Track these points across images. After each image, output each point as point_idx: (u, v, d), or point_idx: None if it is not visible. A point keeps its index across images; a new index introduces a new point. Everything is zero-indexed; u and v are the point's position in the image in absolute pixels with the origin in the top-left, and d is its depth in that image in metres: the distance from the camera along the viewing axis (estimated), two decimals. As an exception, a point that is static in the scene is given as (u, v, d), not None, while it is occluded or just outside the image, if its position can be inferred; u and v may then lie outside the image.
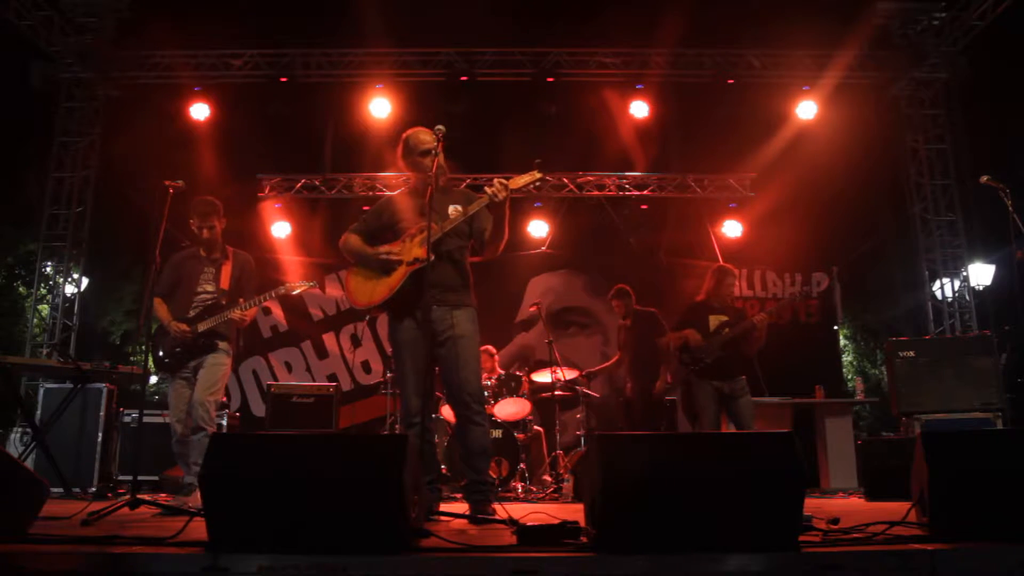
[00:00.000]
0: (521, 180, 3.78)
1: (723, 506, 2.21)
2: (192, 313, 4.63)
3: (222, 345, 4.65)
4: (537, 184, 4.39)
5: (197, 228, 4.70)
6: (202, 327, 4.58)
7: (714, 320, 5.51)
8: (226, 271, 4.73)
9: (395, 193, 4.20)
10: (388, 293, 3.84)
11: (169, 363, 4.61)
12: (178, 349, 4.58)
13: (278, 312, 9.30)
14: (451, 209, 3.87)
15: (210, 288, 4.69)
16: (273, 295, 4.84)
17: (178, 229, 4.93)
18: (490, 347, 7.31)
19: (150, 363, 4.85)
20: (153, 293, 4.64)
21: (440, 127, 3.80)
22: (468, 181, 8.63)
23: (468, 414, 3.80)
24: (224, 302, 4.65)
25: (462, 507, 3.84)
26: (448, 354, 3.81)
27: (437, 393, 5.59)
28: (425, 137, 3.97)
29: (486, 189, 3.74)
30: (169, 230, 4.36)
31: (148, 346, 4.59)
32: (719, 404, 5.48)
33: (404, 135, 4.06)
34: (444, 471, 6.30)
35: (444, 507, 3.79)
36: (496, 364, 7.38)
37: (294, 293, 4.92)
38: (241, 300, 4.67)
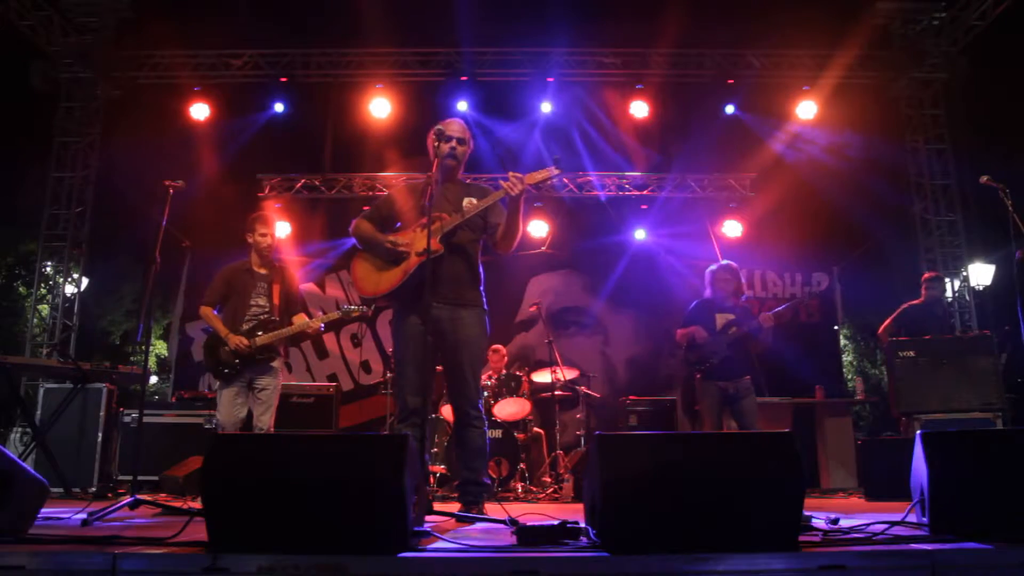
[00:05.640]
0: (538, 176, 3.72)
1: (723, 506, 2.20)
2: (245, 326, 4.75)
3: (276, 363, 4.85)
4: (552, 179, 4.36)
5: (268, 236, 4.86)
6: (260, 341, 4.72)
7: (720, 319, 5.43)
8: (276, 288, 4.87)
9: (413, 183, 4.17)
10: (395, 284, 3.78)
11: (228, 373, 4.74)
12: (237, 361, 4.71)
13: (278, 312, 9.28)
14: (466, 202, 3.83)
15: (263, 302, 4.83)
16: (335, 314, 5.00)
17: (178, 229, 4.96)
18: (499, 346, 7.28)
19: (151, 363, 4.89)
20: (204, 303, 4.84)
21: (440, 126, 3.82)
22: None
23: (466, 418, 3.80)
24: (276, 317, 4.82)
25: (459, 507, 3.83)
26: (450, 357, 3.79)
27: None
28: (455, 127, 3.95)
29: (501, 183, 3.71)
30: (169, 230, 4.37)
31: (148, 346, 4.58)
32: (723, 404, 5.42)
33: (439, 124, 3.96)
34: (444, 471, 6.31)
35: (443, 507, 3.77)
36: (503, 362, 7.35)
37: (353, 315, 5.09)
38: (319, 312, 4.84)
